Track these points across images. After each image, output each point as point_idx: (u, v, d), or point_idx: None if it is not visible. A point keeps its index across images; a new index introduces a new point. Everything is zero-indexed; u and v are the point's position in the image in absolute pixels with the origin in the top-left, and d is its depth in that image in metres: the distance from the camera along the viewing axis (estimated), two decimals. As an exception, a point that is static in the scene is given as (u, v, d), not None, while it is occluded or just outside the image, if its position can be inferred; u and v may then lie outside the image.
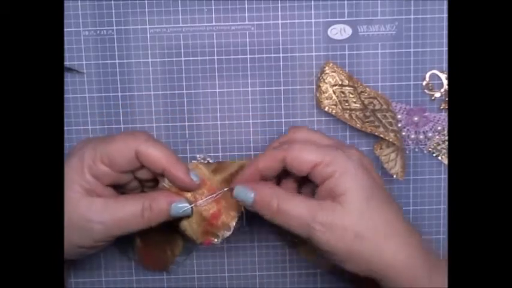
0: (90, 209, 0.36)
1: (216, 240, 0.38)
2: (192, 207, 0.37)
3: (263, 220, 0.45)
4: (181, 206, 0.37)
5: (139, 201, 0.37)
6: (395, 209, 0.37)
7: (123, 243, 0.44)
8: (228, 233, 0.38)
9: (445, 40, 0.43)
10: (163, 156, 0.36)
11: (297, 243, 0.44)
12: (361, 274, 0.36)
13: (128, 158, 0.36)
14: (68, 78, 0.43)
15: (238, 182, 0.38)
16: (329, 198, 0.36)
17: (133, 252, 0.45)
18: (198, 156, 0.44)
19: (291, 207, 0.35)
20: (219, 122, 0.44)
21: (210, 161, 0.44)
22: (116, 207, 0.37)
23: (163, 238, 0.43)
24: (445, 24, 0.42)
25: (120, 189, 0.39)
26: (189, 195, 0.38)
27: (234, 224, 0.38)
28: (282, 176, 0.39)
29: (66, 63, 0.43)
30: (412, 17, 0.42)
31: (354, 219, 0.35)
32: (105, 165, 0.36)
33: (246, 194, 0.37)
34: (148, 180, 0.39)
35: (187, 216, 0.38)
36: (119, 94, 0.43)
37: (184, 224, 0.38)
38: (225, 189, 0.38)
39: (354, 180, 0.35)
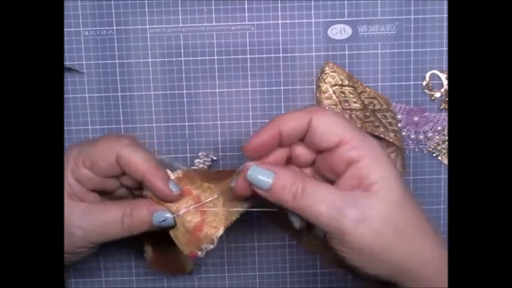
0: (70, 213, 0.35)
1: (200, 253, 0.36)
2: (174, 217, 0.36)
3: (263, 220, 0.45)
4: (162, 216, 0.36)
5: (120, 208, 0.36)
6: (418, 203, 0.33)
7: (137, 250, 0.43)
8: (211, 246, 0.36)
9: (445, 40, 0.43)
10: (143, 163, 0.35)
11: (301, 233, 0.43)
12: (382, 277, 0.32)
13: (109, 162, 0.35)
14: (68, 78, 0.43)
15: (251, 148, 0.33)
16: (357, 188, 0.31)
17: (148, 261, 0.43)
18: (200, 154, 0.44)
19: (319, 196, 0.31)
20: (219, 122, 0.44)
21: (214, 158, 0.43)
22: (96, 212, 0.36)
23: (171, 241, 0.42)
24: (445, 24, 0.42)
25: (108, 196, 0.38)
26: (170, 205, 0.36)
27: (217, 236, 0.36)
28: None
29: (66, 63, 0.43)
30: (412, 17, 0.42)
31: (391, 210, 0.30)
32: (87, 169, 0.35)
33: (264, 174, 0.32)
34: (136, 188, 0.38)
35: (172, 227, 0.36)
36: (119, 94, 0.43)
37: (171, 235, 0.37)
38: (209, 199, 0.36)
39: (388, 168, 0.31)
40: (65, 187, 0.35)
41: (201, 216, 0.36)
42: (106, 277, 0.46)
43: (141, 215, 0.36)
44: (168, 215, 0.36)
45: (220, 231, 0.36)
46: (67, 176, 0.35)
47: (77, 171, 0.35)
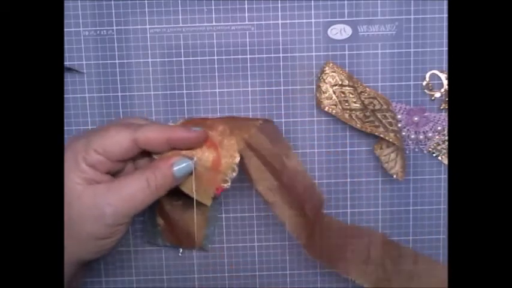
0: (95, 195, 0.36)
1: (225, 185, 0.38)
2: (194, 161, 0.37)
3: (263, 220, 0.45)
4: (182, 163, 0.37)
5: (141, 174, 0.37)
6: None
7: (150, 231, 0.45)
8: (234, 174, 0.38)
9: (445, 40, 0.43)
10: (161, 131, 0.37)
11: None
12: None
13: (125, 148, 0.36)
14: (68, 78, 0.43)
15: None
16: None
17: (161, 237, 0.45)
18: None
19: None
20: (219, 122, 0.44)
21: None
22: (120, 186, 0.36)
23: (184, 213, 0.43)
24: (445, 24, 0.42)
25: (117, 175, 0.39)
26: (185, 152, 0.38)
27: (236, 162, 0.38)
28: None
29: (66, 63, 0.43)
30: (412, 17, 0.42)
31: None
32: (99, 155, 0.36)
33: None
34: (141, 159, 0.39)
35: (191, 175, 0.38)
36: (119, 94, 0.43)
37: (185, 191, 0.38)
38: (217, 130, 0.38)
39: None
40: (80, 175, 0.36)
41: (215, 151, 0.38)
42: (106, 277, 0.46)
43: (162, 171, 0.37)
44: (187, 160, 0.37)
45: (238, 158, 0.38)
46: (79, 164, 0.36)
47: (88, 158, 0.36)
